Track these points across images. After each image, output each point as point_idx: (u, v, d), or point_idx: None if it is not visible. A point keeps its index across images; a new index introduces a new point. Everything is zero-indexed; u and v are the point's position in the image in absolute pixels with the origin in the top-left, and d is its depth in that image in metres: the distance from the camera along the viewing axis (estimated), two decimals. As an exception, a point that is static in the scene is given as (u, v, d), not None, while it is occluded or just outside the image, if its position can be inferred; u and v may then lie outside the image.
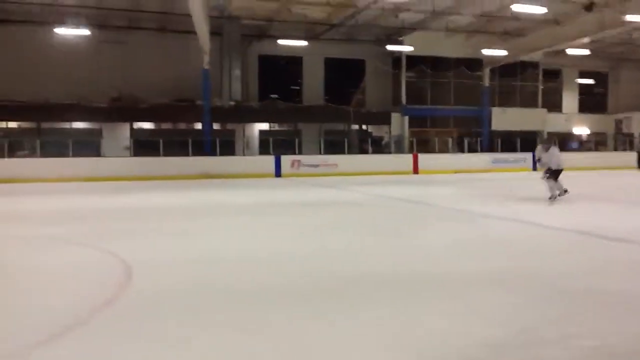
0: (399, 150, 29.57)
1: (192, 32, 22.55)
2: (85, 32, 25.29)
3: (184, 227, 9.03)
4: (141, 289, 5.10)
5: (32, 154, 24.08)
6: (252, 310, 4.38)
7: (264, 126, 30.10)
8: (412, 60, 30.89)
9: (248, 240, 7.72)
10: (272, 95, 30.13)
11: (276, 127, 30.57)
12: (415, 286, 5.15)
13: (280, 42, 27.97)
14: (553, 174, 11.92)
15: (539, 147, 12.07)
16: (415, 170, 24.40)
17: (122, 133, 27.43)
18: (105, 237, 7.93)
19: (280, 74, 30.95)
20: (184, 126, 28.64)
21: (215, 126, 26.90)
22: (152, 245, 7.41)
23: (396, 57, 31.27)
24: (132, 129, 27.71)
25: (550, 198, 11.82)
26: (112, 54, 27.02)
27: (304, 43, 28.47)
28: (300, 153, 26.26)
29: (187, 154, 23.56)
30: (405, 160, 24.95)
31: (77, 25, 24.79)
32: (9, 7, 24.63)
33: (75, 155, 22.78)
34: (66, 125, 27.18)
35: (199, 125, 26.26)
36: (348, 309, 4.37)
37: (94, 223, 9.49)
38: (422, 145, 29.44)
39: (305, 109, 30.06)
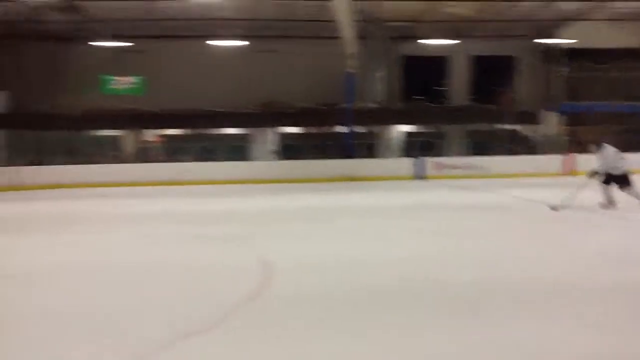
0: (553, 150, 27.68)
1: (336, 37, 23.02)
2: (241, 43, 26.95)
3: (319, 229, 9.26)
4: (278, 291, 5.30)
5: (191, 158, 26.17)
6: (373, 313, 4.37)
7: (407, 128, 29.82)
8: (567, 54, 28.78)
9: (378, 245, 7.68)
10: (416, 97, 29.73)
11: (421, 128, 30.11)
12: (553, 297, 4.83)
13: (425, 42, 27.57)
14: (607, 178, 10.81)
15: (593, 147, 11.02)
16: (570, 172, 22.70)
17: (269, 137, 28.77)
18: (252, 237, 8.46)
19: (424, 74, 30.42)
20: (328, 129, 29.32)
21: (359, 128, 27.18)
22: (292, 246, 7.71)
23: (549, 51, 29.37)
24: (279, 133, 28.95)
25: (603, 204, 10.86)
26: (263, 62, 28.42)
27: (449, 42, 27.81)
28: (444, 155, 25.64)
29: (330, 157, 24.14)
30: (558, 161, 23.31)
31: (234, 37, 26.51)
32: (171, 24, 26.88)
33: (227, 159, 24.47)
34: (220, 131, 29.12)
35: (343, 128, 26.73)
36: (479, 320, 4.20)
37: (242, 224, 10.07)
38: (578, 145, 27.28)
39: (450, 110, 29.30)
